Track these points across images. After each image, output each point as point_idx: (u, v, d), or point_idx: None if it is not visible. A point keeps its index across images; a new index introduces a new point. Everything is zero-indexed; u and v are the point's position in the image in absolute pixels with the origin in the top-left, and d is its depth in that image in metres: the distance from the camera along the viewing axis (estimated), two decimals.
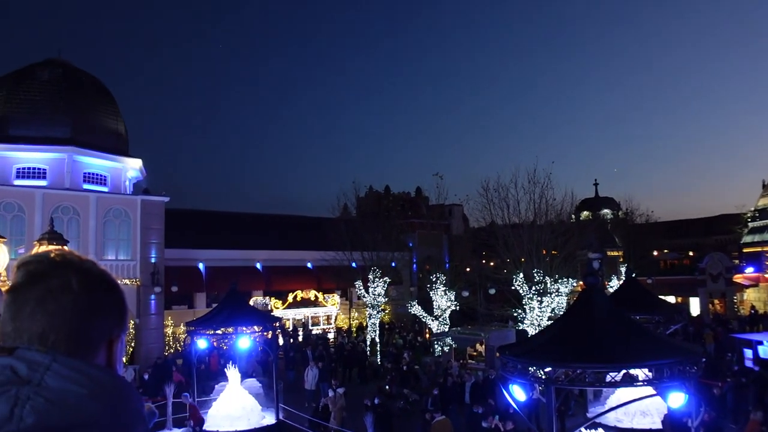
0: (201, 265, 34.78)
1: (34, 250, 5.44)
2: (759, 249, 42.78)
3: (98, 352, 1.10)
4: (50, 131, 28.32)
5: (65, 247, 7.30)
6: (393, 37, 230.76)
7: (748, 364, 22.56)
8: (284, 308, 35.05)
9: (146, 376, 23.35)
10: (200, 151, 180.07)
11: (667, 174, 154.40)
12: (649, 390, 10.39)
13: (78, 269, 1.13)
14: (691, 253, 53.02)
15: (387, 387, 20.93)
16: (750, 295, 42.86)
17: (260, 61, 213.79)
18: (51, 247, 6.94)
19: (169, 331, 31.50)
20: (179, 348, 29.93)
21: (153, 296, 28.85)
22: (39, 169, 28.23)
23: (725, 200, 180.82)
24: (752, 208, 48.36)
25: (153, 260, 29.04)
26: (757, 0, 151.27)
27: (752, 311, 39.18)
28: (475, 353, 26.61)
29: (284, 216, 45.37)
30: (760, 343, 23.02)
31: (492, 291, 32.89)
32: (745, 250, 44.27)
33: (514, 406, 10.12)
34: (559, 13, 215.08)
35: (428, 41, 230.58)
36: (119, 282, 1.23)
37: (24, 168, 28.10)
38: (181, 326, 27.53)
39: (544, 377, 9.33)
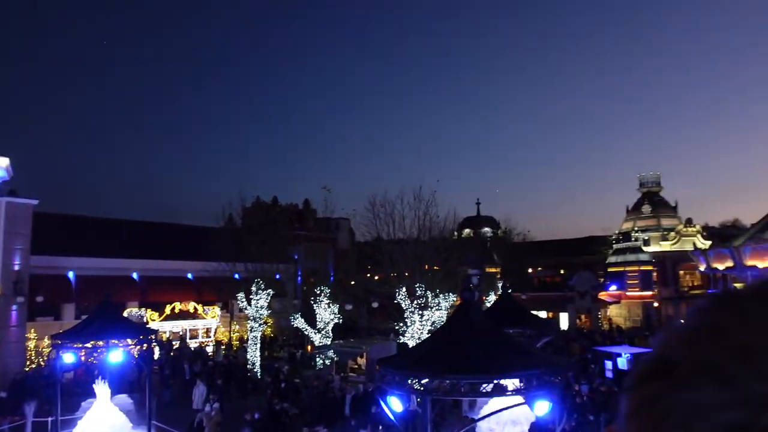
0: (71, 274, 32.56)
1: None
2: (621, 269, 46.55)
3: None
4: None
5: None
6: (269, 54, 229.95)
7: (609, 374, 24.38)
8: (161, 320, 33.50)
9: (3, 394, 21.44)
10: (80, 153, 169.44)
11: (544, 196, 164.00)
12: (520, 399, 10.96)
13: None
14: (562, 272, 56.36)
15: (269, 401, 20.58)
16: (612, 311, 46.42)
17: (140, 65, 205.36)
18: None
19: (31, 344, 29.14)
20: (42, 363, 27.83)
21: (15, 307, 26.63)
22: None
23: (595, 223, 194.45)
24: (616, 231, 52.63)
25: (16, 267, 26.87)
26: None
27: (610, 326, 43.02)
28: (356, 366, 26.79)
29: (164, 224, 43.36)
30: (619, 355, 25.00)
31: (375, 305, 33.33)
32: (609, 270, 47.93)
33: (391, 417, 10.32)
34: (436, 42, 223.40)
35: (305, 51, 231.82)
36: None
37: None
38: (45, 339, 25.53)
39: (421, 388, 9.59)
